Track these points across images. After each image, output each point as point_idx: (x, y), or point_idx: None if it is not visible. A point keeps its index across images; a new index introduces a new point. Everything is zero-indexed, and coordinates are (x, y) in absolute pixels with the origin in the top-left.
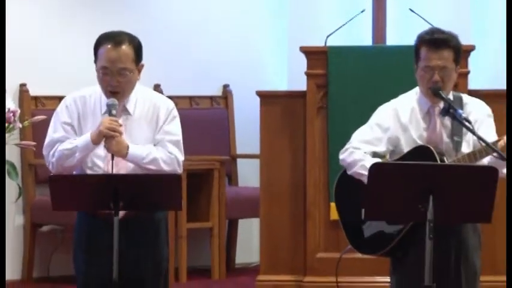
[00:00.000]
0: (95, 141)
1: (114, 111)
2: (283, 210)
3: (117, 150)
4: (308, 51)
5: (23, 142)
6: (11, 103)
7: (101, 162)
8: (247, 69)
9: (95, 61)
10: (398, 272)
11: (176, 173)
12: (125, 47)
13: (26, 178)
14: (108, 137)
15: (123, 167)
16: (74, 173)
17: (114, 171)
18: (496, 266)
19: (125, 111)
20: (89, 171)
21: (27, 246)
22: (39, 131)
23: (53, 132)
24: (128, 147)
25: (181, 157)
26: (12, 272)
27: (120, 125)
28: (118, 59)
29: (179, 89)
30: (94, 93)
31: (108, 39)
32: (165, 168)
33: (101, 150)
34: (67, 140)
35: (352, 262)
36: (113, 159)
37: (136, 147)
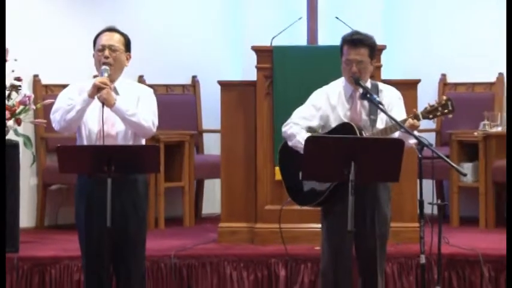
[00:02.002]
0: (91, 95)
1: (105, 74)
2: (239, 172)
3: (107, 98)
4: (257, 50)
5: (36, 120)
6: (26, 90)
7: (94, 126)
8: (211, 64)
9: (94, 48)
10: (327, 220)
11: (155, 145)
12: (117, 35)
13: (39, 148)
14: (100, 88)
15: (112, 129)
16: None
17: (106, 131)
18: (403, 215)
19: (115, 91)
20: (86, 141)
21: (40, 201)
22: (48, 111)
23: (59, 102)
24: (115, 100)
25: (156, 121)
26: (28, 221)
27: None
28: (111, 39)
29: (158, 79)
30: (89, 84)
31: (106, 29)
32: (143, 123)
33: (93, 115)
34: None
35: (291, 212)
36: (103, 115)
37: (122, 102)
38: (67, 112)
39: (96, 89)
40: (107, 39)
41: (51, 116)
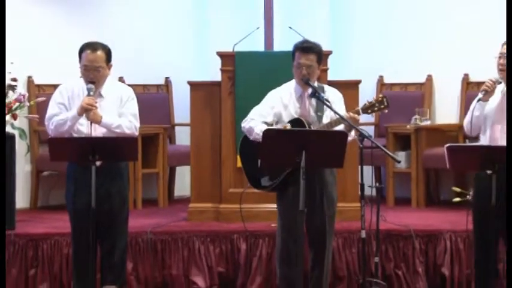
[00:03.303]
0: (79, 113)
1: (91, 93)
2: (206, 160)
3: (94, 119)
4: (222, 55)
5: (30, 115)
6: (21, 89)
7: (83, 128)
8: (182, 67)
9: (79, 61)
10: (282, 201)
11: (134, 136)
12: (99, 52)
13: (32, 139)
14: (87, 110)
15: (99, 131)
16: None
17: (93, 134)
18: (346, 196)
19: (100, 95)
20: (75, 135)
21: (34, 185)
22: (40, 108)
23: (51, 109)
24: (101, 117)
25: (137, 124)
26: (23, 203)
27: (96, 102)
28: (94, 60)
29: (136, 79)
30: (78, 83)
31: (88, 47)
32: (127, 131)
33: (83, 121)
34: (61, 114)
35: (251, 195)
36: (91, 125)
37: (107, 117)
38: (60, 126)
39: (84, 110)
40: (90, 59)
41: (46, 122)
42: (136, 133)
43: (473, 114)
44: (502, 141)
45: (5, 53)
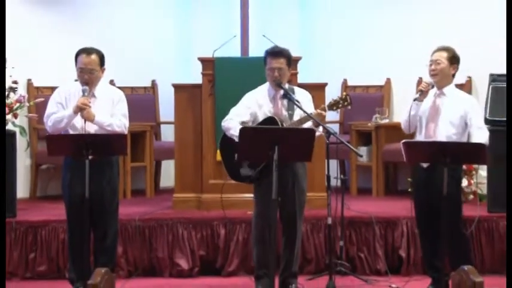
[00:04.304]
0: (75, 112)
1: (86, 94)
2: (189, 155)
3: (87, 117)
4: (202, 60)
5: (30, 114)
6: (22, 91)
7: (78, 125)
8: (166, 71)
9: (75, 64)
10: (257, 191)
11: (124, 133)
12: (94, 56)
13: (32, 136)
14: (81, 109)
15: (92, 128)
16: (62, 133)
17: (86, 129)
18: (314, 187)
19: (93, 96)
20: (70, 131)
21: (33, 177)
22: (39, 108)
23: (50, 108)
24: (94, 115)
25: (127, 123)
26: (24, 193)
27: (90, 102)
28: (89, 63)
29: (125, 82)
30: (74, 86)
31: (84, 51)
32: (117, 129)
33: (78, 119)
34: (58, 112)
35: (231, 186)
36: (85, 123)
37: (100, 116)
38: (58, 123)
39: (79, 109)
40: (85, 62)
41: (44, 120)
42: (126, 131)
43: (410, 113)
44: (436, 139)
45: (5, 56)
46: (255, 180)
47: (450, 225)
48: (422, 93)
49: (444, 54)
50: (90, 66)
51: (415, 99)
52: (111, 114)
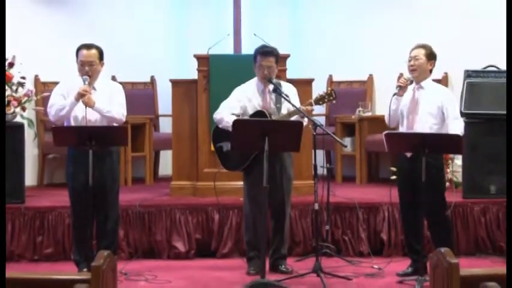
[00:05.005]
0: (76, 99)
1: (86, 82)
2: (185, 145)
3: (88, 102)
4: (198, 57)
5: (37, 107)
6: (29, 85)
7: (79, 113)
8: (165, 67)
9: (76, 59)
10: (248, 179)
11: (123, 124)
12: (93, 50)
13: (39, 128)
14: (82, 95)
15: (92, 116)
16: (65, 124)
17: (87, 118)
18: (302, 175)
19: (93, 88)
20: (73, 123)
21: (40, 166)
22: (45, 102)
23: (53, 99)
24: (94, 102)
25: (124, 112)
26: (32, 181)
27: (90, 90)
28: (89, 56)
29: (126, 77)
30: (75, 80)
31: (84, 46)
32: (116, 116)
33: (80, 110)
34: (60, 102)
35: (223, 174)
36: (86, 112)
37: (100, 104)
38: (60, 111)
39: (80, 95)
40: (86, 55)
41: (48, 109)
42: (124, 119)
43: (390, 108)
44: (417, 130)
45: (5, 56)
46: (247, 168)
47: (433, 209)
48: (401, 89)
49: (422, 51)
50: (90, 59)
51: (394, 94)
52: (109, 104)
